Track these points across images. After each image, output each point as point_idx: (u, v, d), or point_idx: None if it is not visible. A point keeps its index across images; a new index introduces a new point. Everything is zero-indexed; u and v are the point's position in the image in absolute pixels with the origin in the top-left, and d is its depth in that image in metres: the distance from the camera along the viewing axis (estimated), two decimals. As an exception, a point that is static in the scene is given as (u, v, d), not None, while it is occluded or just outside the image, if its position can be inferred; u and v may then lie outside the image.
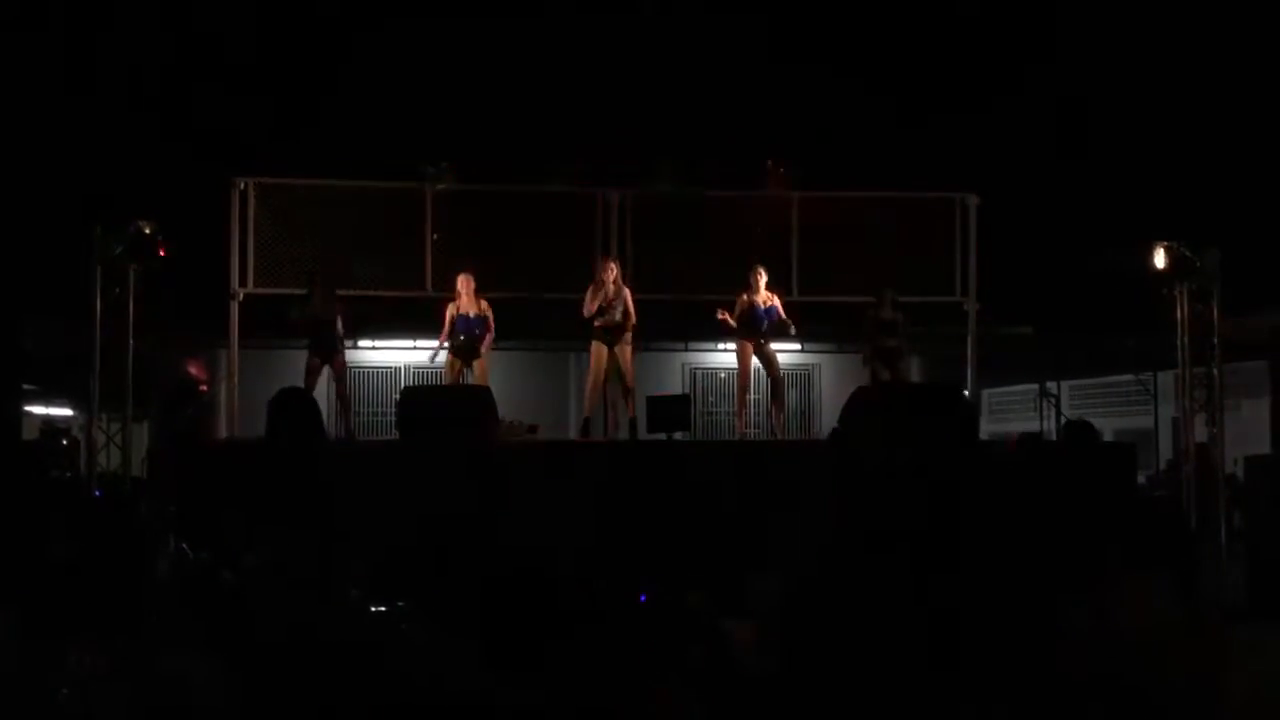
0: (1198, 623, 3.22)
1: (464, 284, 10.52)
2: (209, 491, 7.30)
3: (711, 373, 14.79)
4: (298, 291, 10.60)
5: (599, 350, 10.39)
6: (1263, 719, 3.55)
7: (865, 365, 11.15)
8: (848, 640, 3.65)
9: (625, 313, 10.36)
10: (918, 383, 10.79)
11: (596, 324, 10.33)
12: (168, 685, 3.57)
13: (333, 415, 12.07)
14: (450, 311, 10.56)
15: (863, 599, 3.80)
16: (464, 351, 10.58)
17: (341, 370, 10.59)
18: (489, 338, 10.65)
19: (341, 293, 10.59)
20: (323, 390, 11.17)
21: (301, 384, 10.30)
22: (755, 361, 10.88)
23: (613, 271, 10.37)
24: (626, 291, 10.43)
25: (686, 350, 14.71)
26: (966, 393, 11.50)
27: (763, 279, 10.71)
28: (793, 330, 10.87)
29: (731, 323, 10.67)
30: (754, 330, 10.71)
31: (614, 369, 10.52)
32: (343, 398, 10.74)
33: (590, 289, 10.35)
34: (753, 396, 12.14)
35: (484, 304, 10.60)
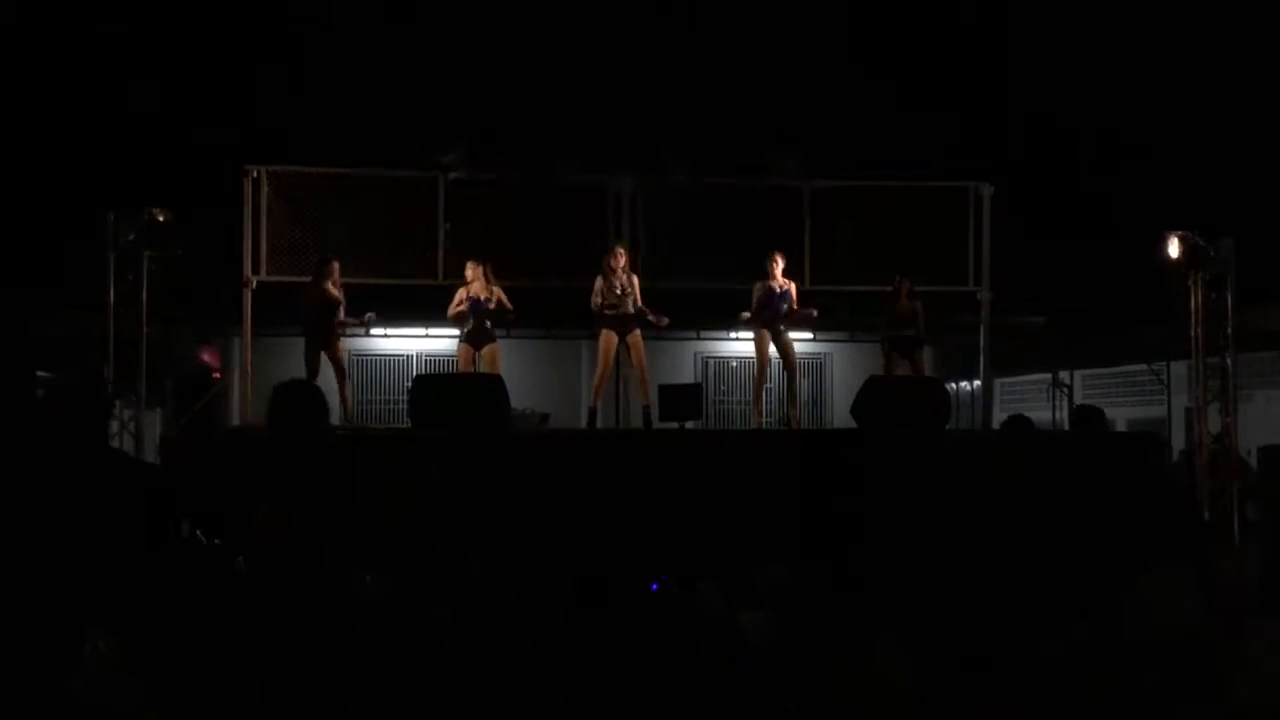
0: (1212, 619, 3.20)
1: (473, 271, 10.48)
2: (223, 479, 7.30)
3: (723, 361, 14.78)
4: (308, 280, 10.60)
5: (608, 340, 10.26)
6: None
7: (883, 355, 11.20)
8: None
9: (635, 301, 10.27)
10: (904, 375, 10.84)
11: (607, 313, 10.25)
12: (182, 674, 3.58)
13: (333, 403, 12.05)
14: (460, 294, 10.53)
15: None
16: (476, 338, 10.56)
17: (340, 358, 10.47)
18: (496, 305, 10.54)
19: (349, 280, 10.57)
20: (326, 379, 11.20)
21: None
22: (772, 350, 10.82)
23: (622, 259, 10.26)
24: (635, 280, 10.33)
25: (699, 339, 14.70)
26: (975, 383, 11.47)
27: (779, 265, 10.66)
28: (815, 313, 10.87)
29: (746, 316, 10.62)
30: (771, 316, 10.65)
31: (626, 359, 10.47)
32: (342, 386, 10.61)
33: (598, 278, 10.24)
34: (768, 385, 12.10)
35: (497, 290, 10.56)
